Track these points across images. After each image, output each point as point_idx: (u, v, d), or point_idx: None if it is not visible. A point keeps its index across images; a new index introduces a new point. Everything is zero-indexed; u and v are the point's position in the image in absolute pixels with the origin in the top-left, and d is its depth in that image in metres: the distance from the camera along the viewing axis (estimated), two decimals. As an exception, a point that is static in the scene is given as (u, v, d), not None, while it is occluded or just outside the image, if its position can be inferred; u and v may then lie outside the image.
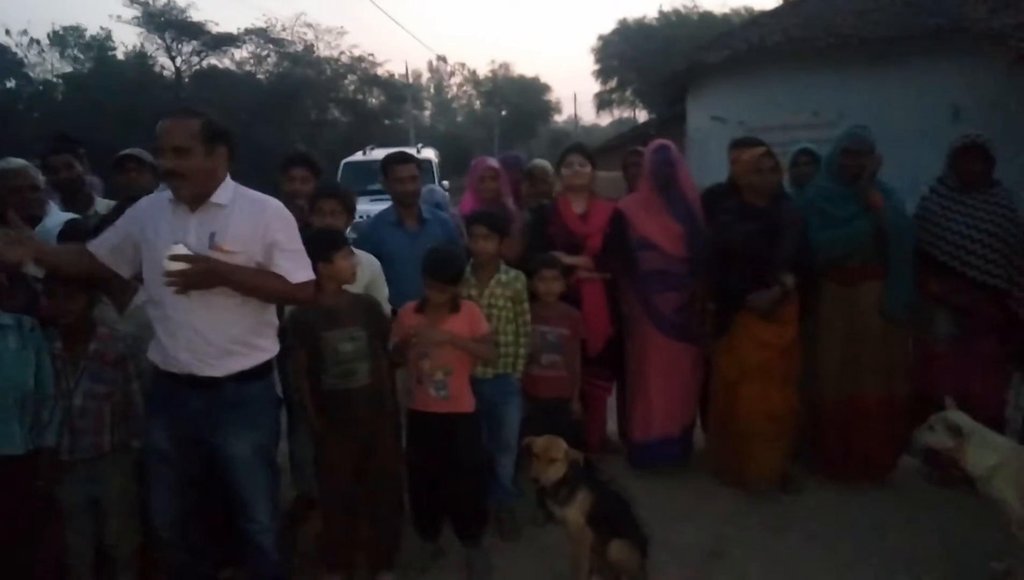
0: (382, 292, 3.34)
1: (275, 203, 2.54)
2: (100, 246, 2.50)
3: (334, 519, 3.02)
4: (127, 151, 3.83)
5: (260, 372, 2.53)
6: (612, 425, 4.47)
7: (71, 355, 2.70)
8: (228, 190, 2.44)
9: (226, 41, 25.11)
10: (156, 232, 2.40)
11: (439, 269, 2.98)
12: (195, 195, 2.38)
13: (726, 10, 30.78)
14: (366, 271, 3.28)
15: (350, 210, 3.42)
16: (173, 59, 24.71)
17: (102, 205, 3.89)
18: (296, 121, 23.99)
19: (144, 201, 2.58)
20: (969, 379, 3.70)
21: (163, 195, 2.50)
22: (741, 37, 10.92)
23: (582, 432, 3.83)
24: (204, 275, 2.32)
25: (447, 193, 12.92)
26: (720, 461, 3.97)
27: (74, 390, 2.69)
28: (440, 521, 3.23)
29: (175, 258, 2.27)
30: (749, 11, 25.98)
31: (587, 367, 3.76)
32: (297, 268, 2.50)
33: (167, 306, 2.39)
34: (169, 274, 2.27)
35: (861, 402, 3.80)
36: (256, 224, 2.43)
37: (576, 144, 4.32)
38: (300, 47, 26.55)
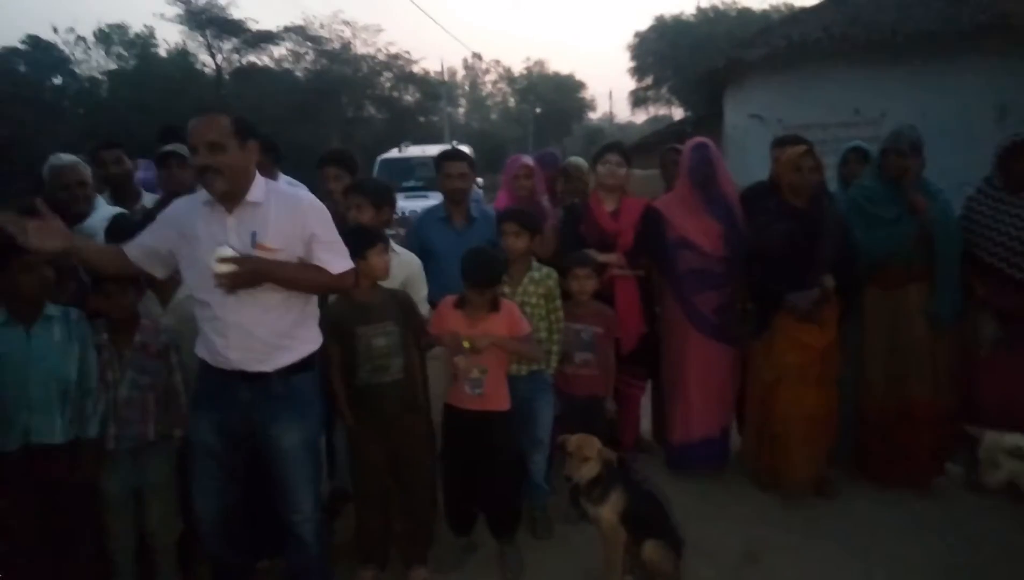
0: (420, 291, 3.35)
1: (308, 196, 2.63)
2: (134, 248, 2.52)
3: (367, 513, 3.05)
4: (169, 147, 3.91)
5: (306, 364, 2.59)
6: (646, 424, 4.45)
7: (116, 347, 2.77)
8: (260, 187, 2.47)
9: (265, 38, 25.44)
10: (195, 235, 2.43)
11: (477, 274, 2.98)
12: (230, 192, 2.40)
13: (765, 6, 30.31)
14: (404, 268, 3.30)
15: (382, 205, 3.43)
16: (214, 56, 25.13)
17: (149, 200, 3.98)
18: (333, 118, 24.24)
19: (179, 204, 2.60)
20: (1016, 386, 3.61)
21: (197, 198, 2.53)
22: (780, 34, 10.74)
23: (616, 431, 3.83)
24: (251, 275, 2.37)
25: (481, 189, 13.01)
26: (756, 463, 3.93)
27: (120, 381, 2.75)
28: (474, 517, 3.25)
29: (223, 260, 2.31)
30: (789, 7, 25.55)
31: (621, 366, 3.74)
32: (336, 258, 2.57)
33: (214, 306, 2.43)
34: (218, 276, 2.32)
35: (906, 407, 3.73)
36: (294, 220, 2.48)
37: (614, 142, 4.30)
38: (337, 44, 26.77)
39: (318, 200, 2.63)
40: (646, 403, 4.35)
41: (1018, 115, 8.24)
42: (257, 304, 2.43)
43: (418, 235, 3.76)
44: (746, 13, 29.33)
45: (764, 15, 27.27)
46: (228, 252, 2.33)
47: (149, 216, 2.91)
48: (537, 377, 3.39)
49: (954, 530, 3.44)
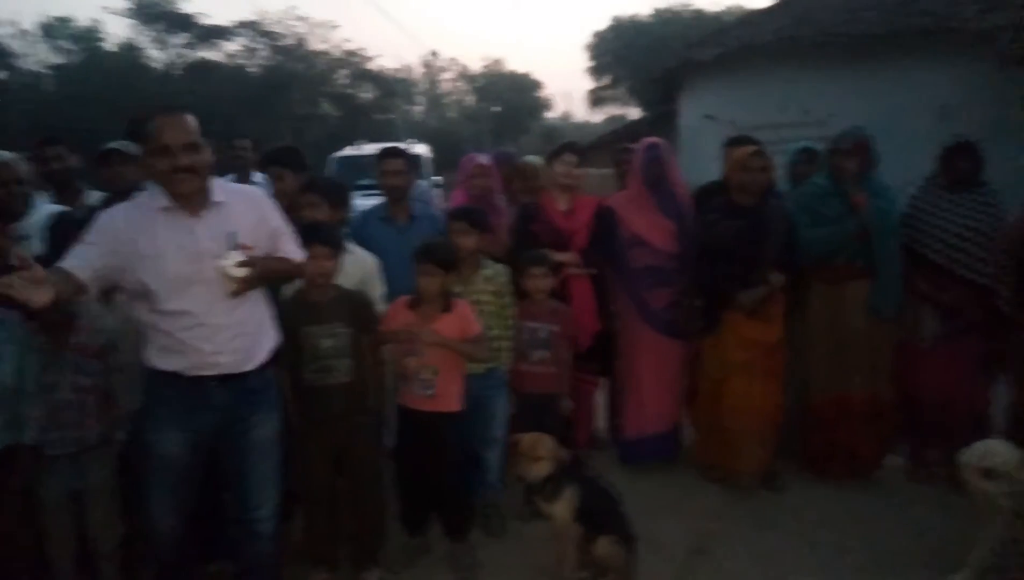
0: (376, 290, 3.33)
1: (255, 189, 2.66)
2: (86, 272, 2.23)
3: (316, 515, 3.02)
4: (112, 145, 3.80)
5: (273, 358, 2.60)
6: (600, 421, 4.48)
7: (54, 348, 2.69)
8: (218, 186, 2.43)
9: (217, 33, 24.96)
10: (155, 245, 2.32)
11: (433, 250, 2.99)
12: (199, 192, 2.35)
13: (718, 8, 30.83)
14: (360, 267, 3.28)
15: (337, 204, 3.41)
16: (163, 51, 24.57)
17: (93, 197, 3.87)
18: (286, 115, 23.89)
19: (117, 217, 2.36)
20: (954, 378, 3.74)
21: (141, 206, 2.38)
22: (732, 35, 10.91)
23: (570, 428, 3.85)
24: (262, 276, 2.40)
25: (439, 188, 12.96)
26: (705, 457, 4.00)
27: (58, 383, 2.67)
28: (427, 516, 3.24)
29: (241, 265, 2.31)
30: (741, 9, 26.02)
31: (575, 362, 3.76)
32: (296, 249, 2.64)
33: (199, 314, 2.36)
34: (237, 282, 2.31)
35: (847, 400, 3.82)
36: (258, 216, 2.49)
37: (569, 142, 4.30)
38: (291, 40, 26.40)
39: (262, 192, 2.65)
40: (600, 399, 4.39)
41: (959, 115, 8.52)
42: (244, 302, 2.42)
43: (359, 234, 3.72)
44: (700, 15, 29.77)
45: (717, 17, 27.70)
46: (240, 256, 2.32)
47: (95, 214, 2.82)
48: (492, 375, 3.40)
49: (897, 520, 3.53)
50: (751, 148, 3.77)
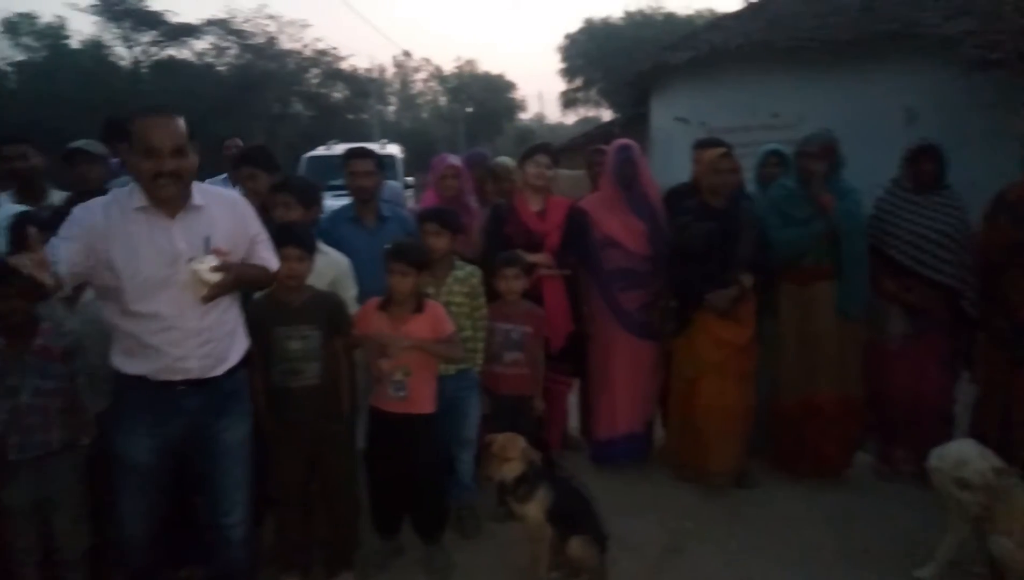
0: (349, 290, 3.31)
1: (237, 195, 2.61)
2: (61, 266, 2.14)
3: (288, 519, 2.99)
4: (76, 144, 3.73)
5: (244, 361, 2.57)
6: (573, 421, 4.50)
7: (15, 352, 2.63)
8: (198, 189, 2.39)
9: (186, 32, 24.59)
10: (130, 245, 2.27)
11: (405, 250, 2.98)
12: (180, 196, 2.30)
13: (690, 12, 31.08)
14: (332, 267, 3.25)
15: (310, 204, 3.38)
16: (131, 48, 24.15)
17: (57, 197, 3.79)
18: (257, 114, 23.63)
19: (98, 211, 2.30)
20: (920, 377, 3.81)
21: (117, 204, 2.32)
22: (703, 39, 11.00)
23: (543, 429, 3.86)
24: (234, 282, 2.35)
25: (411, 189, 12.91)
26: (678, 457, 4.03)
27: (21, 387, 2.61)
28: (400, 519, 3.22)
29: (215, 269, 2.26)
30: (712, 13, 26.29)
31: (548, 363, 3.76)
32: (272, 256, 2.62)
33: (169, 318, 2.32)
34: (209, 287, 2.25)
35: (816, 400, 3.87)
36: (237, 221, 2.46)
37: (542, 144, 4.31)
38: (262, 39, 26.11)
39: (244, 198, 2.61)
40: (573, 400, 4.40)
41: (924, 118, 8.69)
42: (215, 307, 2.38)
43: (328, 236, 3.68)
44: (672, 18, 30.00)
45: (689, 20, 27.94)
46: (213, 261, 2.26)
47: (59, 214, 2.76)
48: (464, 376, 3.39)
49: (866, 517, 3.59)
50: (720, 150, 3.81)
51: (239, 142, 5.40)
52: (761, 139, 5.72)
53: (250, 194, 3.54)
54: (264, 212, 3.02)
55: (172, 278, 2.29)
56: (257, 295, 2.94)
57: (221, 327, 2.44)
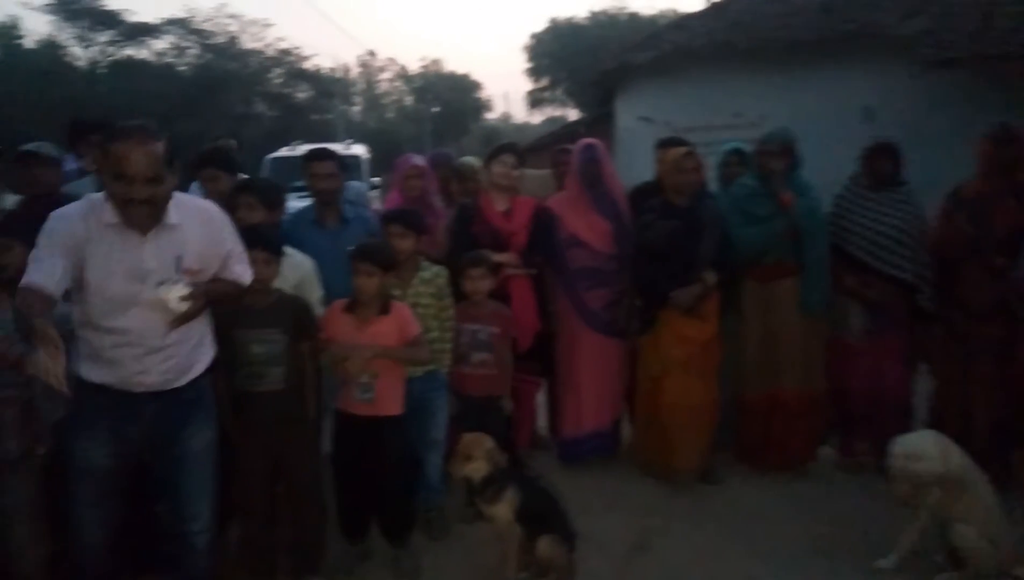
0: (314, 293, 3.27)
1: (215, 208, 2.51)
2: (52, 283, 2.07)
3: (252, 525, 2.94)
4: (28, 147, 3.64)
5: (210, 368, 2.53)
6: (541, 420, 4.50)
7: None
8: (175, 207, 2.32)
9: (144, 31, 24.14)
10: (103, 263, 2.21)
11: (370, 250, 2.96)
12: (153, 217, 2.24)
13: (653, 12, 31.42)
14: (296, 270, 3.21)
15: (273, 206, 3.34)
16: (87, 48, 23.64)
17: (9, 201, 3.70)
18: (220, 115, 23.28)
19: (78, 224, 2.22)
20: (880, 371, 3.89)
21: (90, 216, 2.24)
22: (667, 39, 11.11)
23: (512, 429, 3.85)
24: (203, 307, 2.30)
25: (376, 189, 12.81)
26: (645, 453, 4.06)
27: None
28: (367, 522, 3.19)
29: (184, 298, 2.20)
30: (675, 13, 26.55)
31: (516, 363, 3.76)
32: (246, 269, 2.57)
33: (132, 334, 2.27)
34: (176, 314, 2.20)
35: (780, 396, 3.93)
36: (213, 239, 2.41)
37: (508, 143, 4.31)
38: (223, 39, 25.76)
39: (222, 211, 2.54)
40: (542, 400, 4.41)
41: (882, 117, 8.88)
42: (183, 328, 2.33)
43: (289, 238, 3.63)
44: (635, 18, 30.25)
45: (652, 21, 28.19)
46: (183, 290, 2.21)
47: (13, 218, 2.69)
48: (432, 377, 3.37)
49: (829, 509, 3.65)
50: (683, 149, 3.85)
51: (233, 144, 5.34)
52: (724, 138, 5.79)
53: (212, 195, 3.49)
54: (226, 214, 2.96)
55: (139, 296, 2.24)
56: None
57: (186, 342, 2.40)
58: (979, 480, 2.98)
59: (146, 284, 2.23)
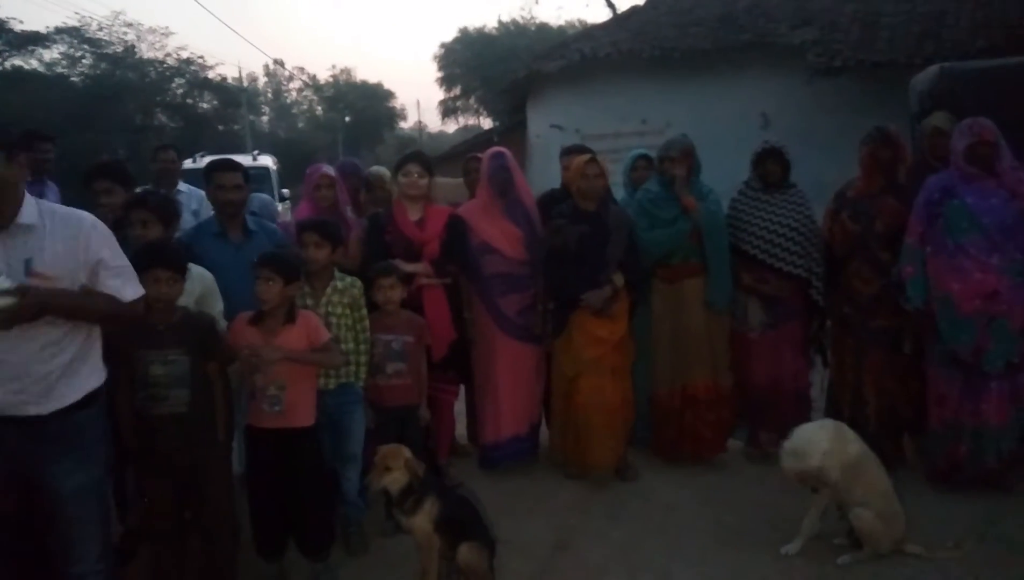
0: (215, 306, 3.17)
1: (90, 218, 2.36)
2: None
3: (161, 552, 2.82)
4: None
5: (88, 400, 2.34)
6: (460, 428, 4.51)
7: None
8: (32, 207, 2.21)
9: (33, 40, 22.85)
10: None
11: (272, 257, 2.91)
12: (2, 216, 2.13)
13: (561, 22, 31.84)
14: (197, 283, 3.11)
15: (170, 220, 3.23)
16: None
17: None
18: (119, 127, 22.27)
19: None
20: (779, 363, 4.09)
21: None
22: (574, 48, 11.33)
23: (431, 438, 3.85)
24: (34, 308, 2.11)
25: (286, 201, 12.53)
26: (562, 454, 4.13)
27: None
28: (283, 540, 3.12)
29: (5, 293, 2.03)
30: (583, 23, 27.08)
31: (432, 372, 3.77)
32: (126, 284, 2.38)
33: None
34: (2, 312, 2.03)
35: (691, 389, 4.07)
36: (74, 244, 2.25)
37: (414, 152, 4.30)
38: (120, 48, 24.67)
39: (100, 221, 2.39)
40: (460, 408, 4.42)
41: (777, 122, 9.34)
42: (34, 340, 2.18)
43: (189, 251, 3.52)
44: (544, 28, 30.67)
45: (560, 30, 28.66)
46: (6, 284, 2.05)
47: None
48: (347, 390, 3.34)
49: (739, 499, 3.79)
50: (586, 156, 3.98)
51: (173, 155, 5.14)
52: (633, 145, 5.97)
53: (105, 209, 3.36)
54: (118, 228, 2.85)
55: None
56: None
57: (41, 364, 2.22)
58: (874, 464, 3.16)
59: None
